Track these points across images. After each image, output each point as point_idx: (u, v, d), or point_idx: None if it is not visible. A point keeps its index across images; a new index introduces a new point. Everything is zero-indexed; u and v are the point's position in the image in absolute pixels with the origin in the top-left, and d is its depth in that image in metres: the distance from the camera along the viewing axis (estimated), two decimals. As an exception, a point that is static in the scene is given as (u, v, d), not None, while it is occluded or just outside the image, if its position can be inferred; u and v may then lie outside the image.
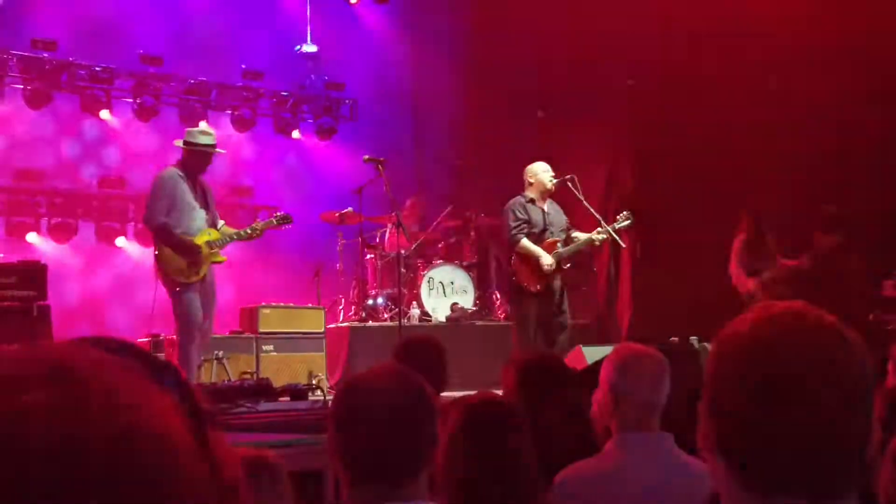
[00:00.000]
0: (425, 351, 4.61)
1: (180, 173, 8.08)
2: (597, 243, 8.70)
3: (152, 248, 8.17)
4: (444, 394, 4.92)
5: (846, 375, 1.36)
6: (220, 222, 8.42)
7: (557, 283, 8.59)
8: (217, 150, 8.34)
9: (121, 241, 12.39)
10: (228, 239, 8.28)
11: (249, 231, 8.44)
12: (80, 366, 0.68)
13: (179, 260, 7.89)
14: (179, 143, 8.29)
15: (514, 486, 2.69)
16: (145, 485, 0.65)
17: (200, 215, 8.13)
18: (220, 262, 8.27)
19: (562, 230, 8.71)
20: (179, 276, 7.89)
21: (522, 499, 2.69)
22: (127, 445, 0.65)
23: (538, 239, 8.58)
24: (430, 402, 2.36)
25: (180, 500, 0.66)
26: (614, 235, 8.53)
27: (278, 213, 8.79)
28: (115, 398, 0.67)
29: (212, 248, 8.08)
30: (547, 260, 8.43)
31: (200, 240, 8.03)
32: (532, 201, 8.64)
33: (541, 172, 8.65)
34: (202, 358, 8.53)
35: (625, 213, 8.72)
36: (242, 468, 2.73)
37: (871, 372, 1.40)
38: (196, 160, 8.17)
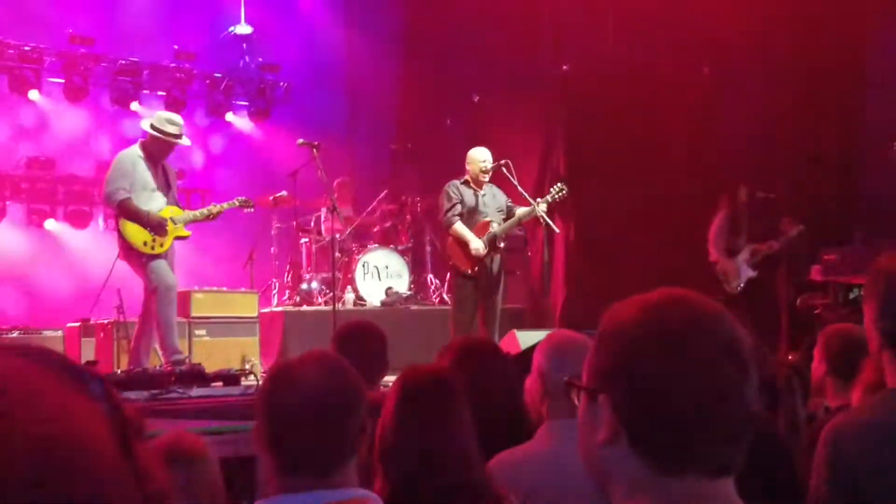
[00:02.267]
0: (366, 338, 4.58)
1: (141, 154, 7.99)
2: (524, 219, 8.73)
3: (115, 227, 8.05)
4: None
5: (740, 351, 1.41)
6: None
7: (495, 264, 8.62)
8: (181, 141, 8.20)
9: (50, 224, 12.20)
10: (190, 217, 8.22)
11: (207, 212, 8.38)
12: (3, 376, 0.68)
13: (144, 233, 7.83)
14: (146, 124, 8.18)
15: (453, 459, 2.68)
16: (67, 493, 0.65)
17: (158, 199, 8.04)
18: (185, 237, 8.23)
19: (500, 211, 8.73)
20: (145, 248, 7.85)
21: (462, 472, 2.69)
22: (49, 454, 0.65)
23: (468, 219, 8.60)
24: (358, 391, 2.34)
25: None
26: (546, 220, 8.57)
27: (240, 198, 8.73)
28: (38, 408, 0.68)
29: (175, 224, 8.02)
30: (475, 244, 8.47)
31: (164, 214, 7.98)
32: (467, 183, 8.68)
33: (476, 161, 8.66)
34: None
35: (558, 184, 8.75)
36: (163, 453, 2.67)
37: (754, 349, 1.46)
38: (158, 146, 8.07)
